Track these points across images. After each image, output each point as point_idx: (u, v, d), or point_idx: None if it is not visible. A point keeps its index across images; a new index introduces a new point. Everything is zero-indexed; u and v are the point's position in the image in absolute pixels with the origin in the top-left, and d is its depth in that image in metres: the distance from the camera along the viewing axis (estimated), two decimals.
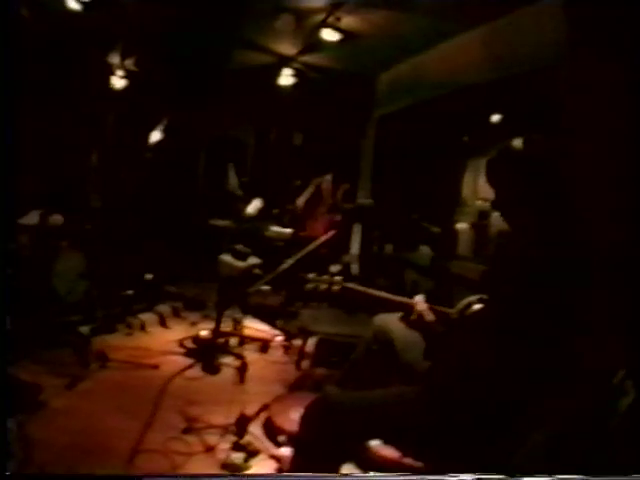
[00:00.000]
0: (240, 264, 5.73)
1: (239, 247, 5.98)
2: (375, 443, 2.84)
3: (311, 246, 4.03)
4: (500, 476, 2.32)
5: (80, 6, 5.65)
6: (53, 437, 3.66)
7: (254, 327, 6.19)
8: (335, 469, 2.56)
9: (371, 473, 2.85)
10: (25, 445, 3.46)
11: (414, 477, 2.60)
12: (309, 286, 3.36)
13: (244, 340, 5.76)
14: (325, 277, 3.33)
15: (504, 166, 2.65)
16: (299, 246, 5.82)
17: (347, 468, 2.70)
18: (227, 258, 5.90)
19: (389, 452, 2.81)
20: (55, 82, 6.65)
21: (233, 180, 7.35)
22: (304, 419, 2.70)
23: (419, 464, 2.63)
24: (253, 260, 5.86)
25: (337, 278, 3.35)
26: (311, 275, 3.36)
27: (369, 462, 2.84)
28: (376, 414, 2.60)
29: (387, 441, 2.72)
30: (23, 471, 3.23)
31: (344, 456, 2.65)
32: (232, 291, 5.87)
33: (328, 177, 7.35)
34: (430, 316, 2.96)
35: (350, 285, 3.34)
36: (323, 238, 4.17)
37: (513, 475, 2.32)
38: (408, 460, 2.68)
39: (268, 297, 6.60)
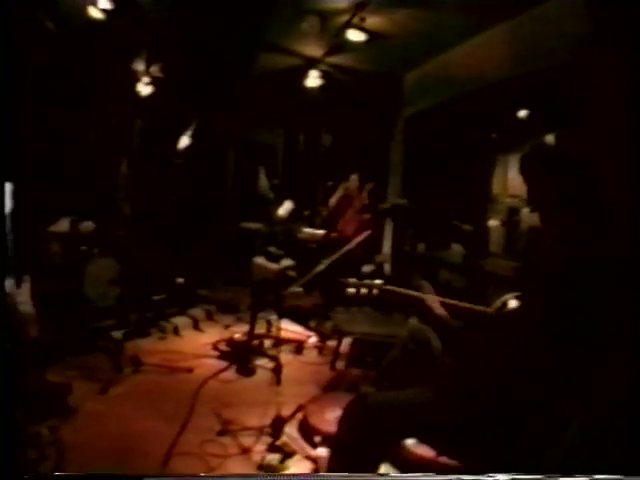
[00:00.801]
0: (274, 266, 5.74)
1: (272, 249, 5.99)
2: (410, 442, 2.81)
3: (347, 247, 4.02)
4: (537, 476, 2.28)
5: (103, 15, 5.68)
6: (86, 441, 3.67)
7: (288, 329, 6.18)
8: (373, 469, 2.54)
9: (408, 474, 2.83)
10: (58, 450, 3.49)
11: (452, 477, 2.56)
12: (350, 290, 3.36)
13: (280, 342, 5.75)
14: (366, 281, 3.33)
15: (538, 161, 2.62)
16: (331, 247, 5.84)
17: (384, 468, 2.68)
18: (261, 260, 5.90)
19: (424, 451, 2.79)
20: (82, 92, 6.71)
21: (264, 183, 7.36)
22: (343, 419, 2.69)
23: (454, 462, 2.60)
24: (286, 262, 5.86)
25: (377, 281, 3.35)
26: (352, 280, 3.35)
27: (405, 461, 2.81)
28: (412, 413, 2.58)
29: (423, 440, 2.70)
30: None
31: (382, 456, 2.63)
32: (266, 293, 5.87)
33: (354, 177, 7.33)
34: (440, 310, 2.96)
35: (389, 288, 3.33)
36: (359, 239, 4.16)
37: (550, 475, 2.28)
38: (443, 459, 2.66)
39: (301, 299, 6.58)
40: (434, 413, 2.55)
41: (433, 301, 3.10)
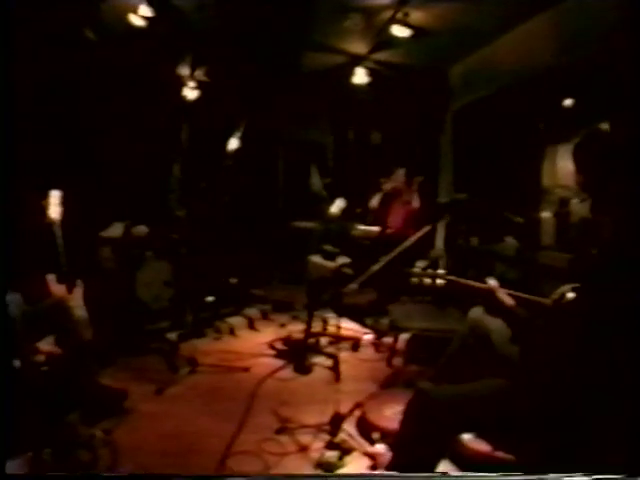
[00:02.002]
0: (330, 264, 5.74)
1: (328, 247, 5.99)
2: (467, 437, 2.79)
3: (406, 243, 4.00)
4: (617, 476, 2.24)
5: (144, 22, 5.75)
6: (142, 442, 3.72)
7: (344, 326, 6.17)
8: (432, 465, 2.53)
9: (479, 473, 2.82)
10: (113, 451, 3.54)
11: (532, 477, 2.53)
12: (414, 280, 3.36)
13: (338, 339, 5.76)
14: (429, 271, 3.33)
15: (592, 149, 2.58)
16: (386, 244, 5.82)
17: (443, 465, 2.67)
18: (316, 259, 5.91)
19: (481, 446, 2.77)
20: (130, 98, 6.82)
21: (317, 181, 7.38)
22: (405, 416, 2.68)
23: (510, 457, 2.57)
24: (342, 259, 5.86)
25: (440, 271, 3.35)
26: (416, 269, 3.36)
27: (461, 456, 2.80)
28: (472, 407, 2.56)
29: (482, 434, 2.68)
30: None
31: (441, 452, 2.61)
32: (322, 291, 5.88)
33: (401, 172, 7.28)
34: (510, 301, 2.95)
35: (455, 278, 3.33)
36: (418, 235, 4.13)
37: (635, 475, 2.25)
38: (500, 453, 2.63)
39: (357, 296, 6.56)
40: (495, 407, 2.53)
41: (501, 292, 3.09)
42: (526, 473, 2.45)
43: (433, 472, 2.51)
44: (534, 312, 2.95)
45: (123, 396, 4.21)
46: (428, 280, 3.33)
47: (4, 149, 5.26)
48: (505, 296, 3.10)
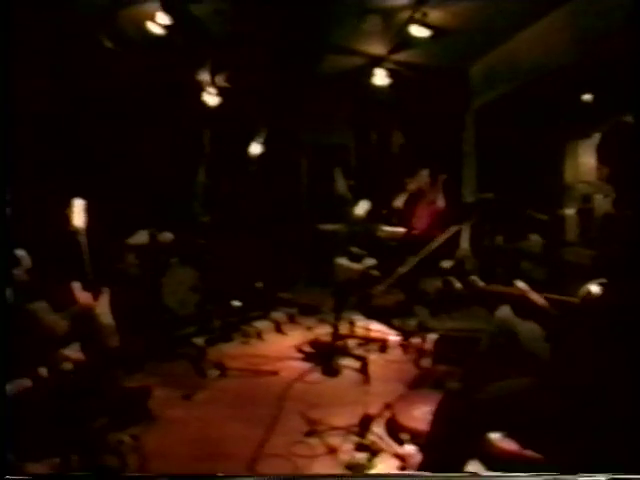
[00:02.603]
0: (357, 266, 5.74)
1: (355, 249, 5.99)
2: (495, 436, 2.78)
3: (434, 244, 4.00)
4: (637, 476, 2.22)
5: (162, 30, 5.78)
6: (170, 447, 3.75)
7: (371, 327, 6.16)
8: (462, 465, 2.53)
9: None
10: (141, 456, 3.57)
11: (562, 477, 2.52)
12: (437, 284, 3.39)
13: (366, 341, 5.75)
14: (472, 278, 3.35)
15: (616, 141, 2.58)
16: (412, 244, 5.81)
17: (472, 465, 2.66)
18: (343, 261, 5.91)
19: (509, 445, 2.76)
20: (151, 106, 6.87)
21: (341, 184, 7.37)
22: (435, 417, 2.68)
23: (539, 456, 2.55)
24: (369, 261, 5.85)
25: (473, 277, 3.36)
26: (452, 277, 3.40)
27: (489, 456, 2.78)
28: (501, 406, 2.56)
29: (511, 433, 2.66)
30: None
31: (471, 452, 2.61)
32: (350, 293, 5.87)
33: (424, 172, 7.25)
34: (542, 301, 2.94)
35: (484, 285, 3.34)
36: (446, 235, 4.12)
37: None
38: (528, 452, 2.62)
39: (384, 297, 6.54)
40: (524, 406, 2.52)
41: (533, 294, 3.10)
42: (556, 473, 2.44)
43: (461, 472, 2.51)
44: (564, 311, 2.94)
45: (147, 394, 4.25)
46: (459, 285, 3.35)
47: (27, 158, 5.36)
48: (537, 297, 3.10)
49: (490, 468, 2.81)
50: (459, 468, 2.51)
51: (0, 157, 3.72)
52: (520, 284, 3.21)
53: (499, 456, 2.78)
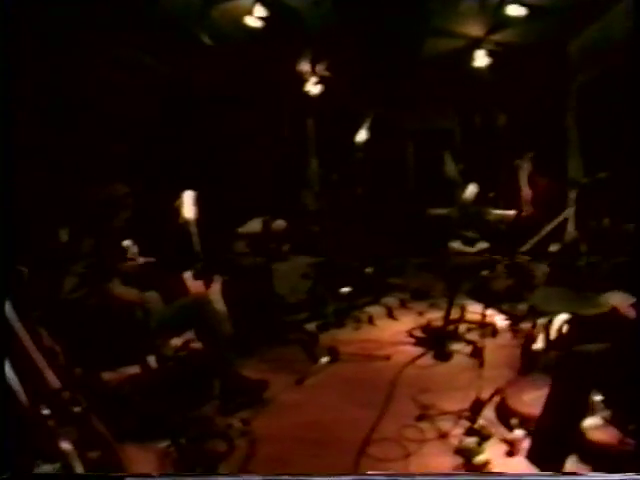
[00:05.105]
0: (470, 250, 5.68)
1: (468, 233, 5.93)
2: (591, 423, 2.72)
3: (550, 226, 3.91)
4: None
5: (260, 23, 5.85)
6: (280, 431, 3.83)
7: (481, 312, 6.09)
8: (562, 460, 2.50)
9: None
10: (250, 441, 3.67)
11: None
12: None
13: (479, 325, 5.68)
14: None
15: None
16: (522, 227, 5.68)
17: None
18: (456, 245, 5.87)
19: (608, 436, 2.68)
20: (255, 98, 7.01)
21: (451, 167, 7.30)
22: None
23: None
24: (482, 245, 5.78)
25: None
26: None
27: (588, 449, 2.72)
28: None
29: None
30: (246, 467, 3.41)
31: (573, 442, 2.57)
32: (463, 277, 5.82)
33: (530, 154, 7.06)
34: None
35: None
36: (559, 218, 4.03)
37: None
38: (629, 441, 2.54)
39: (495, 281, 6.44)
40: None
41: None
42: None
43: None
44: None
45: (264, 386, 4.34)
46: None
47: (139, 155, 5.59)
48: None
49: (589, 460, 2.75)
50: (562, 455, 2.47)
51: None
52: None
53: (598, 449, 2.71)
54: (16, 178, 2.69)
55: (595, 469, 2.76)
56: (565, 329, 4.54)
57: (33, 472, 2.29)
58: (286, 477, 2.97)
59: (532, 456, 2.81)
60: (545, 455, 2.66)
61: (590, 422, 2.75)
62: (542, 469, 2.65)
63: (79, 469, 2.31)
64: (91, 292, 3.73)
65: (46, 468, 2.28)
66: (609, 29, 6.63)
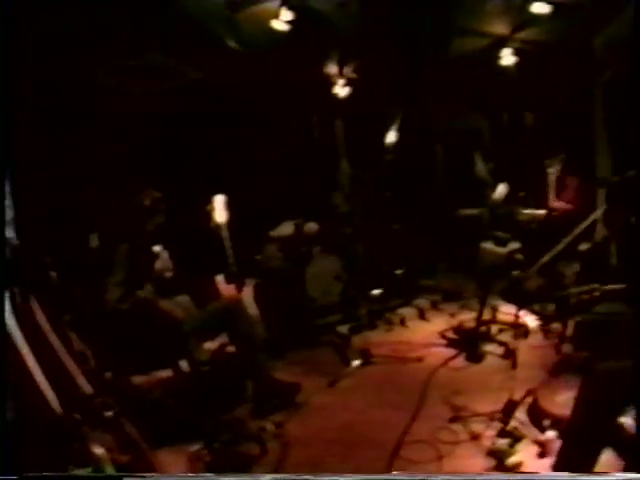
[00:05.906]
0: (502, 250, 5.66)
1: (500, 233, 5.91)
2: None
3: (584, 224, 3.88)
4: None
5: (286, 26, 5.87)
6: (313, 434, 3.87)
7: (512, 312, 6.05)
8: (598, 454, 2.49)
9: None
10: (283, 444, 3.70)
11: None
12: None
13: (511, 326, 5.65)
14: None
15: None
16: (553, 227, 5.62)
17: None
18: (488, 245, 5.84)
19: None
20: (282, 102, 7.05)
21: (481, 167, 7.27)
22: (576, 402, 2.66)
23: None
24: (513, 245, 5.75)
25: None
26: None
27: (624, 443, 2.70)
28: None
29: None
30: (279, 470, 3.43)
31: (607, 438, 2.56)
32: (495, 278, 5.80)
33: (561, 154, 6.99)
34: None
35: None
36: (591, 217, 4.00)
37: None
38: None
39: (526, 282, 6.40)
40: None
41: None
42: None
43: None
44: None
45: (296, 390, 4.37)
46: None
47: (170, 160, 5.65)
48: None
49: (625, 456, 2.74)
50: (595, 455, 2.46)
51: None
52: None
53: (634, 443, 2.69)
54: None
55: (629, 465, 2.75)
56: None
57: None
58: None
59: (562, 457, 2.80)
60: (576, 455, 2.65)
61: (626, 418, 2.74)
62: (572, 470, 2.64)
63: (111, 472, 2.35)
64: (129, 300, 3.80)
65: (79, 472, 2.32)
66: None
